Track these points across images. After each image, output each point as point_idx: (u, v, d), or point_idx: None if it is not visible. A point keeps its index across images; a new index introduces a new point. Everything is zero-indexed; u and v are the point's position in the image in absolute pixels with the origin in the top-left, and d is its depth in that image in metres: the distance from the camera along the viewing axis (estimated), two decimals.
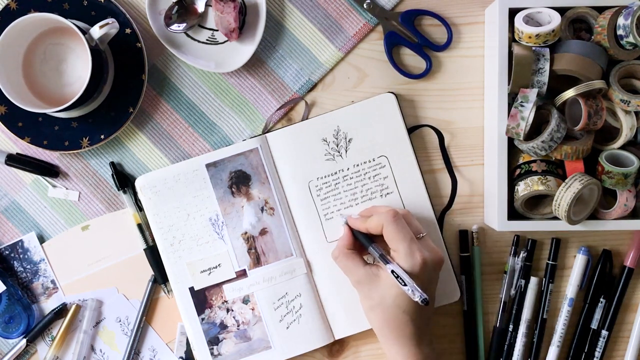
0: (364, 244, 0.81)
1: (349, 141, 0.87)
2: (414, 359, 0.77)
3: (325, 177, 0.87)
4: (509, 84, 0.81)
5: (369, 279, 0.78)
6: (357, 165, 0.87)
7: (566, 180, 0.78)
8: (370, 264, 0.80)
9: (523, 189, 0.81)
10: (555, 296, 0.89)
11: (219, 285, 0.86)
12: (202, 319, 0.86)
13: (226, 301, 0.86)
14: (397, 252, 0.77)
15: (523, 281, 0.88)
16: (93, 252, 0.89)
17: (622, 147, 0.81)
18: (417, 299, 0.73)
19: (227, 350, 0.86)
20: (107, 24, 0.79)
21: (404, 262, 0.76)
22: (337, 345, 0.89)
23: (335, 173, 0.87)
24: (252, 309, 0.86)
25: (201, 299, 0.86)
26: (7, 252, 0.89)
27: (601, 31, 0.79)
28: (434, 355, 0.79)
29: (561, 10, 0.80)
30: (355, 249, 0.82)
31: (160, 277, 0.88)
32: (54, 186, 0.89)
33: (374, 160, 0.87)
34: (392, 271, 0.75)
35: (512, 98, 0.81)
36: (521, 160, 0.83)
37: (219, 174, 0.86)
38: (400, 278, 0.74)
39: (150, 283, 0.88)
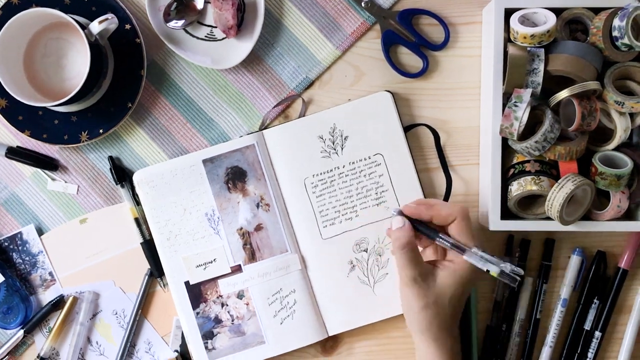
0: (429, 235, 0.78)
1: (344, 139, 0.87)
2: (448, 354, 0.77)
3: (320, 174, 0.88)
4: (503, 84, 0.81)
5: (426, 277, 0.76)
6: (353, 162, 0.87)
7: (559, 181, 0.78)
8: (426, 262, 0.78)
9: (516, 188, 0.81)
10: (548, 297, 0.89)
11: (214, 280, 0.87)
12: (197, 313, 0.87)
13: (221, 296, 0.87)
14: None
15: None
16: (90, 245, 0.90)
17: (616, 149, 0.81)
18: (515, 274, 0.72)
19: (221, 345, 0.87)
20: (106, 19, 0.80)
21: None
22: (331, 342, 0.89)
23: (331, 170, 0.88)
24: (247, 304, 0.87)
25: (196, 293, 0.87)
26: (6, 244, 0.90)
27: (597, 32, 0.79)
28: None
29: (557, 11, 0.80)
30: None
31: (156, 271, 0.89)
32: (53, 179, 0.90)
33: (369, 158, 0.88)
34: (484, 251, 0.74)
35: (507, 98, 0.81)
36: (515, 160, 0.83)
37: (216, 170, 0.87)
38: (497, 255, 0.74)
39: (147, 277, 0.89)
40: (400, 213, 0.79)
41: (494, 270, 0.73)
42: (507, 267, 0.73)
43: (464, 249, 0.75)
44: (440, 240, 0.77)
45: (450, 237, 0.77)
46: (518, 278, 0.72)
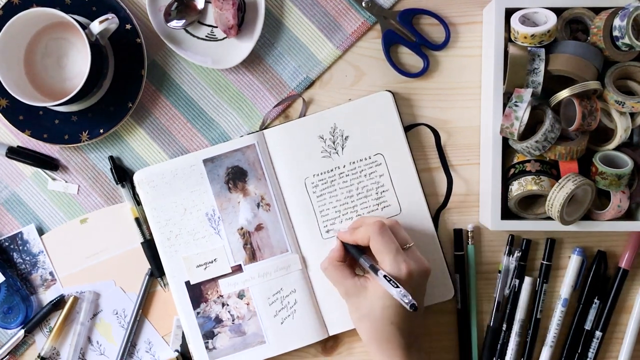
0: (354, 256, 0.82)
1: (345, 139, 0.87)
2: None
3: (321, 174, 0.88)
4: (504, 84, 0.81)
5: (357, 291, 0.79)
6: (353, 162, 0.88)
7: (559, 181, 0.78)
8: (359, 276, 0.81)
9: (517, 188, 0.81)
10: (549, 296, 0.89)
11: (215, 279, 0.87)
12: (198, 313, 0.87)
13: (221, 296, 0.87)
14: (382, 263, 0.78)
15: (517, 281, 0.88)
16: (91, 245, 0.90)
17: (617, 149, 0.81)
18: (406, 302, 0.73)
19: (221, 344, 0.87)
20: (107, 19, 0.80)
21: (389, 273, 0.77)
22: (331, 342, 0.90)
23: (332, 170, 0.88)
24: (247, 304, 0.87)
25: (197, 293, 0.87)
26: (6, 244, 0.90)
27: (597, 32, 0.79)
28: None
29: (558, 11, 0.80)
30: (347, 262, 0.83)
31: (156, 271, 0.89)
32: (54, 179, 0.90)
33: (370, 158, 0.88)
34: (385, 276, 0.75)
35: (508, 98, 0.81)
36: (516, 160, 0.83)
37: (216, 170, 0.87)
38: (393, 281, 0.75)
39: (147, 276, 0.89)
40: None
41: (393, 295, 0.75)
42: (401, 294, 0.74)
43: (377, 272, 0.77)
44: (362, 261, 0.81)
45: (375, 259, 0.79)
46: (413, 301, 0.73)
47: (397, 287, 0.74)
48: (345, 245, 0.83)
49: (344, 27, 0.89)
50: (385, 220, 0.81)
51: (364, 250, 0.81)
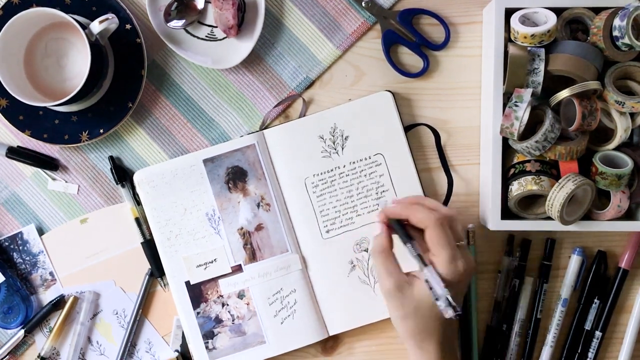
0: (402, 239, 0.75)
1: (345, 139, 0.87)
2: None
3: (321, 174, 0.88)
4: (504, 84, 0.81)
5: (402, 287, 0.74)
6: (353, 162, 0.88)
7: (559, 181, 0.78)
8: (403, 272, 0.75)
9: (517, 188, 0.81)
10: (549, 296, 0.89)
11: (215, 279, 0.87)
12: (198, 313, 0.87)
13: (221, 296, 0.87)
14: (438, 257, 0.73)
15: (517, 281, 0.88)
16: (91, 245, 0.90)
17: (617, 148, 0.81)
18: (449, 315, 0.69)
19: (221, 344, 0.87)
20: (107, 19, 0.80)
21: (444, 269, 0.72)
22: (331, 342, 0.90)
23: (332, 170, 0.88)
24: (247, 304, 0.87)
25: (197, 293, 0.87)
26: (6, 244, 0.90)
27: (597, 32, 0.79)
28: None
29: (558, 11, 0.80)
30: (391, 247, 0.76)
31: (156, 271, 0.89)
32: (54, 179, 0.90)
33: (370, 158, 0.88)
34: (426, 280, 0.71)
35: (508, 98, 0.81)
36: (516, 160, 0.83)
37: (216, 170, 0.87)
38: (434, 290, 0.70)
39: (147, 276, 0.89)
40: (383, 213, 0.76)
41: (435, 295, 0.70)
42: (451, 299, 0.70)
43: (426, 264, 0.72)
44: (410, 248, 0.74)
45: (422, 245, 0.74)
46: (459, 310, 0.70)
47: (437, 299, 0.70)
48: (391, 225, 0.76)
49: (343, 27, 0.89)
50: (445, 210, 0.75)
51: (411, 235, 0.75)
